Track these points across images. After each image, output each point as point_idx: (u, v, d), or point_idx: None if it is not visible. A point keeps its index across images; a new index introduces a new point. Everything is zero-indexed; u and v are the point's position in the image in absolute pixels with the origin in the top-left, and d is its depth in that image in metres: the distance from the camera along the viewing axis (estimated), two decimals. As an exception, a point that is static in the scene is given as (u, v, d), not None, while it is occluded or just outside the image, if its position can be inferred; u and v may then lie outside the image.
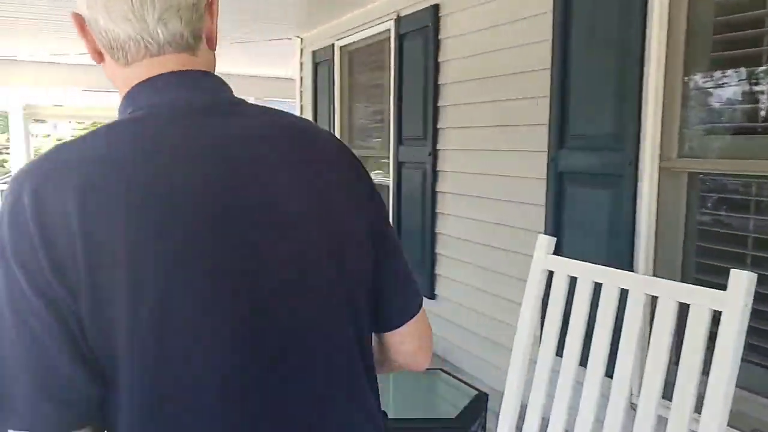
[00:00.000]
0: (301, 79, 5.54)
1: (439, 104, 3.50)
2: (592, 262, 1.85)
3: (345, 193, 0.83)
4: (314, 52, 5.15)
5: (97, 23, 0.77)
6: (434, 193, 3.58)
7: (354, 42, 4.54)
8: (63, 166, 0.71)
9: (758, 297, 1.48)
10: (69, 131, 17.78)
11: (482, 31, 3.12)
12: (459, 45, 3.33)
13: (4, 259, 0.68)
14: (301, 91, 5.58)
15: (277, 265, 0.76)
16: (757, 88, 2.03)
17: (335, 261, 0.80)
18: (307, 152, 0.82)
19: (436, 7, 3.46)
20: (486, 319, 3.17)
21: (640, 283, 1.72)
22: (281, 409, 0.77)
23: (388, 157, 4.01)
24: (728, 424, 1.43)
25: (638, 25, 2.21)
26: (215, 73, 0.84)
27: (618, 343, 1.71)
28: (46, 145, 14.85)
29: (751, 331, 1.52)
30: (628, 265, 2.24)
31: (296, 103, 5.68)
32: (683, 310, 1.58)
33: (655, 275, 2.18)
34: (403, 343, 0.93)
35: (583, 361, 1.80)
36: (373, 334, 0.91)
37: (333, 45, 4.76)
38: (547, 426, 1.86)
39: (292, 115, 0.87)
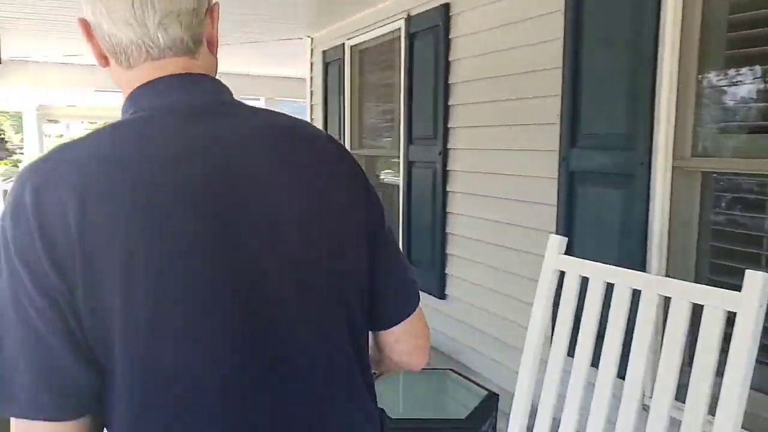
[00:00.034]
0: (312, 78, 5.54)
1: (449, 103, 3.49)
2: (604, 263, 1.84)
3: (344, 193, 0.84)
4: (324, 52, 5.16)
5: (101, 28, 0.79)
6: (445, 193, 3.57)
7: (364, 41, 4.53)
8: (65, 165, 0.72)
9: (773, 298, 1.47)
10: (81, 131, 17.93)
11: (493, 29, 3.11)
12: (470, 44, 3.32)
13: (8, 258, 0.69)
14: (311, 91, 5.59)
15: (277, 265, 0.77)
16: (772, 86, 2.00)
17: (334, 261, 0.81)
18: (306, 153, 0.83)
19: (446, 6, 3.45)
20: (497, 319, 3.16)
21: (652, 283, 1.71)
22: (281, 409, 0.77)
23: (399, 157, 4.00)
24: (742, 426, 1.42)
25: (651, 22, 2.18)
26: (216, 77, 0.86)
27: (630, 344, 1.70)
28: (59, 145, 14.92)
29: (766, 332, 1.50)
30: (641, 265, 2.22)
31: (306, 103, 5.69)
32: (697, 311, 1.56)
33: (668, 276, 2.15)
34: (398, 341, 0.94)
35: (595, 362, 1.78)
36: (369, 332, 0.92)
37: (343, 44, 4.76)
38: (558, 427, 1.85)
39: (291, 117, 0.88)
